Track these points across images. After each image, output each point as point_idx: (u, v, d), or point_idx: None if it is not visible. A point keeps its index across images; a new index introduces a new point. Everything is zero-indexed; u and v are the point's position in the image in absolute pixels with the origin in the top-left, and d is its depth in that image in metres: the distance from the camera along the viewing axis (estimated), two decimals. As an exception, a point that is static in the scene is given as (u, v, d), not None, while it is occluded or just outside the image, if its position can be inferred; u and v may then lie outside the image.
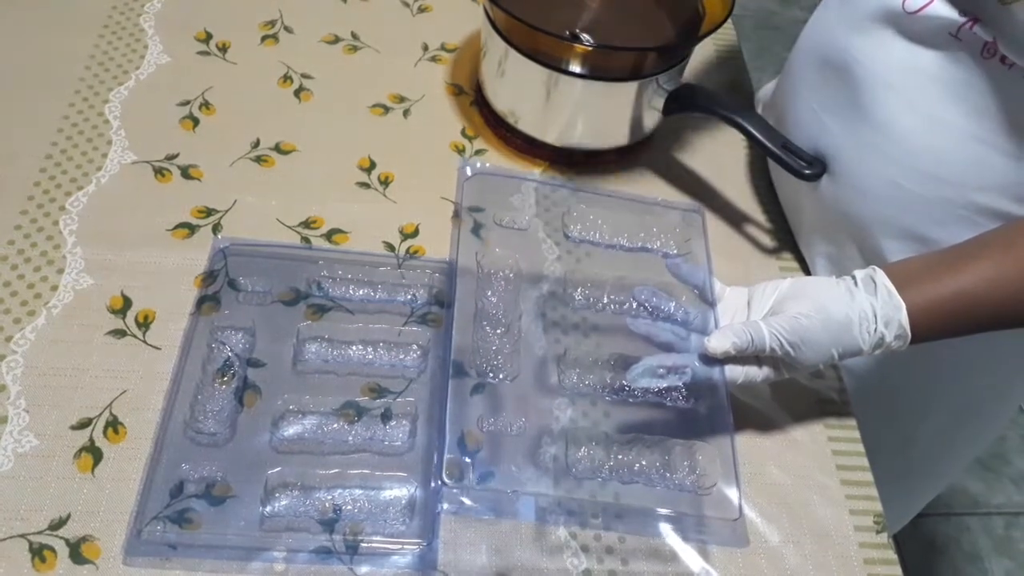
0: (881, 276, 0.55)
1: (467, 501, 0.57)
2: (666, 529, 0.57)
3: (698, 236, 0.69)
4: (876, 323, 0.54)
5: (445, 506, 0.56)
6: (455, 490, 0.56)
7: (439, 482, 0.55)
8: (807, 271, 0.75)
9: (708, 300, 0.62)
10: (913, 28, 0.59)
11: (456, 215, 0.67)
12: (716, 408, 0.58)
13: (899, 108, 0.61)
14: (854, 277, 0.56)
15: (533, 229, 0.69)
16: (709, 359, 0.56)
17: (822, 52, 0.67)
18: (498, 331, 0.62)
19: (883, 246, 0.66)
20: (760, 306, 0.58)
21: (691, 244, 0.68)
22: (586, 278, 0.67)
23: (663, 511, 0.57)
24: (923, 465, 0.89)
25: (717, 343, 0.54)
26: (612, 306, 0.65)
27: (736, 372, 0.57)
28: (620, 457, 0.59)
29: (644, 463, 0.59)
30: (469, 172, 0.68)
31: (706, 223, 0.70)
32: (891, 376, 0.74)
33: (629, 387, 0.59)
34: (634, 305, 0.64)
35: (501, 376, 0.60)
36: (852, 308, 0.54)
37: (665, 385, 0.57)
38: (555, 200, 0.71)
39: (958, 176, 0.60)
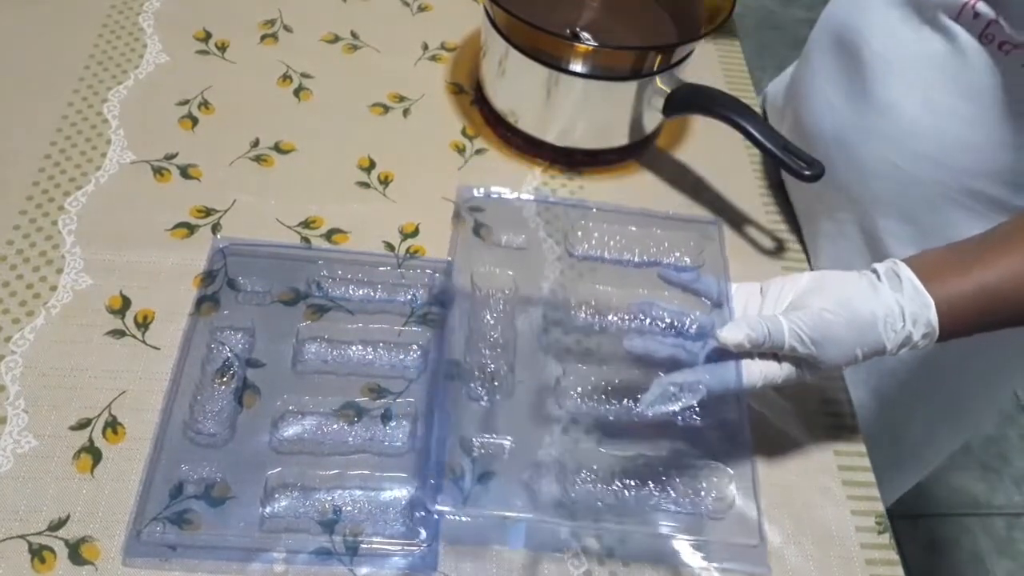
0: (905, 270, 0.52)
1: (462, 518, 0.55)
2: (676, 553, 0.55)
3: (713, 249, 0.63)
4: (904, 321, 0.51)
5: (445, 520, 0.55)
6: (445, 513, 0.53)
7: (431, 510, 0.53)
8: (809, 269, 0.75)
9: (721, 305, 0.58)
10: (918, 9, 0.59)
11: (456, 215, 0.65)
12: (731, 423, 0.54)
13: (901, 89, 0.61)
14: (876, 271, 0.53)
15: (534, 246, 0.65)
16: (724, 368, 0.52)
17: (836, 31, 0.68)
18: (496, 351, 0.60)
19: (879, 226, 0.66)
20: (775, 302, 0.55)
21: (704, 256, 0.63)
22: (589, 297, 0.62)
23: (669, 533, 0.54)
24: (911, 451, 0.88)
25: (729, 334, 0.50)
26: (616, 326, 0.60)
27: (754, 376, 0.52)
28: (624, 482, 0.55)
29: (652, 485, 0.54)
30: (467, 194, 0.64)
31: (723, 235, 0.65)
32: (880, 361, 0.72)
33: (638, 412, 0.54)
34: (641, 322, 0.59)
35: (497, 397, 0.58)
36: (877, 304, 0.51)
37: (679, 407, 0.52)
38: (557, 214, 0.66)
39: (953, 160, 0.60)
